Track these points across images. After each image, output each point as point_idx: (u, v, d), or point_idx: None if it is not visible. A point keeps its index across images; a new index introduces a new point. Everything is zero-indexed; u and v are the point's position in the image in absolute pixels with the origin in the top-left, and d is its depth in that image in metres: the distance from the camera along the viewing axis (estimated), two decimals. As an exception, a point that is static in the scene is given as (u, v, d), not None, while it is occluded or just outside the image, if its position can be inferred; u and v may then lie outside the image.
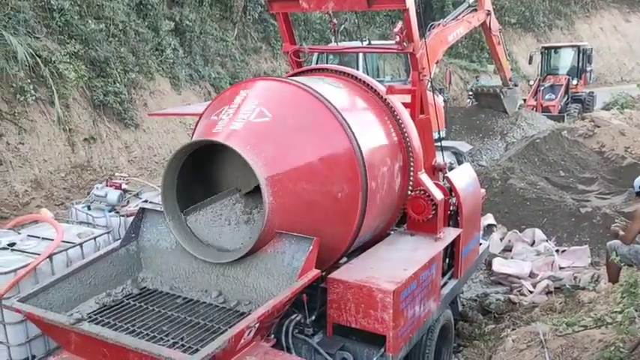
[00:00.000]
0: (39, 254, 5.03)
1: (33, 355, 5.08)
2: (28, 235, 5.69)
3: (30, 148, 11.18)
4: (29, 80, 11.38)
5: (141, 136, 13.93)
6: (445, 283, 4.81)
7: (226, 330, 3.35)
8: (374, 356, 3.71)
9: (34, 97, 11.39)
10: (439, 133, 9.34)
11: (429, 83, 5.36)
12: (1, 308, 4.83)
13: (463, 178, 5.25)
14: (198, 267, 3.96)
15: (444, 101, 12.05)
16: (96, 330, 3.14)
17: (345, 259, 4.33)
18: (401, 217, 4.82)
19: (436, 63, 10.99)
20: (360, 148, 3.89)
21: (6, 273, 4.82)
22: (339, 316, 3.82)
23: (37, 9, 12.52)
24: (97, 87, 12.99)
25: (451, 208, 4.95)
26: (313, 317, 3.94)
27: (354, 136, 3.89)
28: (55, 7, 12.76)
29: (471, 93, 18.10)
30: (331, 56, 10.92)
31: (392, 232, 4.79)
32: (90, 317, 3.52)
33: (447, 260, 4.94)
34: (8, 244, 5.39)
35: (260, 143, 3.60)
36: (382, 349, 3.71)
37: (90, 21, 13.40)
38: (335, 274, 3.86)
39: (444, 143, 8.16)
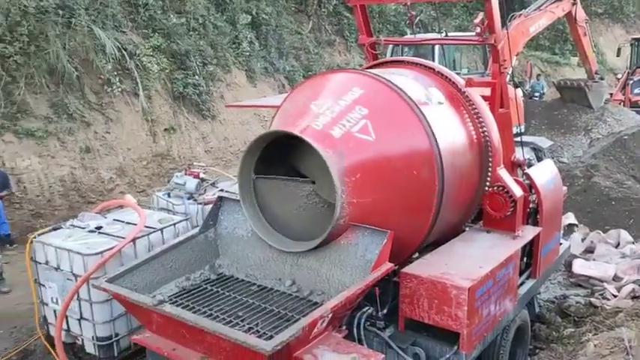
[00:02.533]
0: (123, 238, 5.31)
1: (116, 333, 5.38)
2: (114, 220, 6.02)
3: (115, 137, 11.77)
4: (116, 73, 11.97)
5: (217, 127, 14.35)
6: (522, 283, 4.65)
7: (300, 319, 3.40)
8: (447, 353, 3.65)
9: (119, 89, 11.98)
10: (518, 128, 9.08)
11: (509, 76, 5.18)
12: (89, 287, 5.16)
13: (544, 174, 5.05)
14: (272, 256, 4.04)
15: (525, 95, 11.62)
16: (177, 312, 3.27)
17: (416, 254, 4.28)
18: (477, 214, 4.70)
19: (516, 55, 10.61)
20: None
21: (94, 254, 5.14)
22: (411, 310, 3.78)
23: (123, 4, 13.12)
24: (178, 79, 13.48)
25: (531, 205, 4.77)
26: (385, 311, 3.92)
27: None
28: (140, 3, 13.33)
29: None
30: (406, 49, 10.79)
31: (467, 229, 4.68)
32: (170, 299, 3.67)
33: (525, 259, 4.77)
34: (96, 228, 5.73)
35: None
36: (455, 347, 3.65)
37: (172, 15, 13.90)
38: (408, 269, 3.83)
39: (523, 138, 7.88)
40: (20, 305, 6.97)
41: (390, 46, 10.86)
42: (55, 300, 5.55)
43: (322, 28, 20.25)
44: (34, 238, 5.64)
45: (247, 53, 16.06)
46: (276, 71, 17.18)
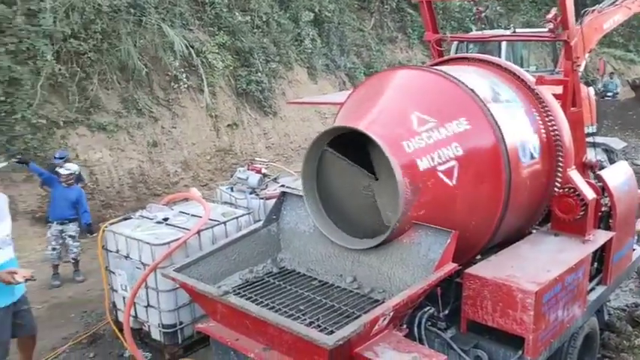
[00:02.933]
0: (189, 229, 5.47)
1: (180, 322, 5.56)
2: (180, 212, 6.21)
3: (181, 132, 12.15)
4: (182, 69, 12.34)
5: (278, 123, 14.54)
6: (592, 289, 4.47)
7: (360, 315, 3.41)
8: (511, 358, 3.57)
9: (186, 85, 12.35)
10: (590, 128, 8.72)
11: (581, 74, 4.98)
12: (156, 276, 5.34)
13: (618, 176, 4.83)
14: (334, 252, 4.06)
15: (597, 94, 11.12)
16: (241, 303, 3.34)
17: (478, 256, 4.19)
18: (545, 216, 4.55)
19: (588, 52, 10.18)
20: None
21: (161, 245, 5.32)
22: (474, 312, 3.71)
23: (190, 2, 13.50)
24: (241, 76, 13.75)
25: (603, 209, 4.57)
26: (447, 311, 3.87)
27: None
28: (207, 1, 13.68)
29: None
30: (471, 45, 10.56)
31: (534, 231, 4.54)
32: (234, 291, 3.75)
33: (595, 265, 4.58)
34: (163, 219, 5.93)
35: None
36: (520, 352, 3.55)
37: (237, 13, 14.19)
38: (472, 270, 3.75)
39: (595, 139, 7.56)
40: (91, 291, 7.31)
41: (455, 42, 10.66)
42: (124, 287, 5.79)
43: (384, 24, 20.14)
44: (106, 227, 5.91)
45: (309, 50, 16.19)
46: (337, 68, 17.22)
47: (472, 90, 3.82)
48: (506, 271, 3.68)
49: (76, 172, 7.75)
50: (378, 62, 18.47)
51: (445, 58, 5.10)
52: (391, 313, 3.22)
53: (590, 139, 5.19)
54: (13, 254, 4.26)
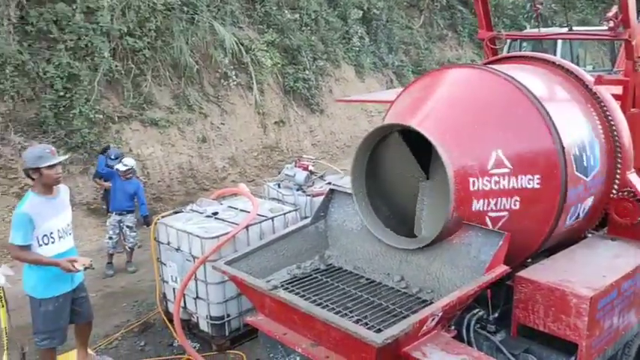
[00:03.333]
0: (237, 224, 5.58)
1: (228, 314, 5.67)
2: (229, 206, 6.33)
3: (229, 128, 12.35)
4: (232, 67, 12.53)
5: (325, 121, 14.59)
6: (649, 297, 4.30)
7: (408, 315, 3.40)
8: (562, 364, 3.48)
9: (235, 82, 12.54)
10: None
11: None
12: (205, 269, 5.47)
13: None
14: (381, 250, 4.06)
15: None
16: (290, 298, 3.39)
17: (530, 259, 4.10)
18: (602, 220, 4.42)
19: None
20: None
21: (211, 238, 5.44)
22: (525, 316, 3.64)
23: (241, 1, 13.70)
24: (289, 74, 13.86)
25: (663, 214, 4.39)
26: (496, 314, 3.81)
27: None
28: (258, -1, 13.86)
29: None
30: (524, 44, 10.32)
31: (589, 235, 4.41)
32: (282, 286, 3.79)
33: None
34: (212, 213, 6.06)
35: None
36: (572, 358, 3.46)
37: (286, 11, 14.30)
38: (524, 273, 3.68)
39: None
40: (142, 282, 7.54)
41: (508, 41, 10.43)
42: (174, 278, 5.95)
43: (434, 22, 19.90)
44: (158, 220, 6.08)
45: (357, 48, 16.16)
46: (385, 66, 17.14)
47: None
48: (560, 275, 3.59)
49: (134, 167, 8.02)
50: (426, 60, 18.29)
51: (499, 56, 5.00)
52: (440, 314, 3.20)
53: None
54: (73, 243, 4.44)
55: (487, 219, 3.58)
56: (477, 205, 3.54)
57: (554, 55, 9.52)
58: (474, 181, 3.52)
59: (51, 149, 4.19)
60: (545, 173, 3.60)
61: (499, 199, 3.56)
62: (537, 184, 3.59)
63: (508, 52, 8.15)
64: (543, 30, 7.41)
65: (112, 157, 8.43)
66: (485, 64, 4.79)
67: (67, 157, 4.78)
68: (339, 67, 15.67)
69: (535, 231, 3.72)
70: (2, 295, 4.64)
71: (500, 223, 3.58)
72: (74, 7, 10.13)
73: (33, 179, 4.18)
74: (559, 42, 9.57)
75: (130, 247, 8.02)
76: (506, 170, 3.55)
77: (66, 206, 4.33)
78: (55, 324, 4.20)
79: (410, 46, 18.51)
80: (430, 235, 3.68)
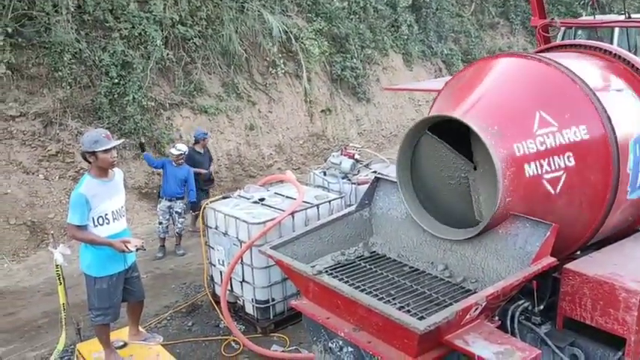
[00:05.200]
0: (283, 210, 5.69)
1: (272, 298, 5.80)
2: (275, 193, 6.45)
3: (276, 116, 12.49)
4: (280, 55, 12.64)
5: (371, 109, 14.55)
6: None
7: (451, 303, 3.39)
8: (610, 359, 3.41)
9: (283, 71, 12.65)
10: None
11: None
12: (252, 253, 5.60)
13: None
14: (425, 239, 4.05)
15: None
16: (334, 283, 3.44)
17: (578, 252, 4.02)
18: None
19: None
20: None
21: (257, 223, 5.57)
22: (571, 309, 3.57)
23: (291, -11, 13.78)
24: (336, 62, 13.87)
25: None
26: (542, 307, 3.76)
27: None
28: (306, -13, 13.90)
29: None
30: (579, 32, 9.96)
31: (641, 229, 4.28)
32: (326, 271, 3.85)
33: None
34: (259, 199, 6.18)
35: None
36: (620, 353, 3.38)
37: (335, -1, 14.31)
38: (572, 265, 3.61)
39: None
40: (191, 264, 7.78)
41: (562, 29, 10.11)
42: (221, 262, 6.12)
43: (485, 10, 19.49)
44: (207, 205, 6.25)
45: (405, 37, 16.02)
46: (434, 55, 16.92)
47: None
48: (609, 269, 3.51)
49: (185, 153, 8.26)
50: (477, 49, 17.96)
51: (551, 45, 4.87)
52: (484, 304, 3.18)
53: None
54: (127, 225, 4.63)
55: (545, 182, 3.48)
56: (530, 169, 3.45)
57: (611, 43, 9.18)
58: (518, 145, 3.44)
59: (107, 134, 4.37)
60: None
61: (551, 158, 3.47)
62: (585, 134, 3.50)
63: (562, 40, 7.90)
64: (600, 17, 7.16)
65: (201, 132, 8.98)
66: (537, 52, 4.68)
67: (121, 141, 4.97)
68: (386, 56, 15.57)
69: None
70: (60, 273, 4.89)
71: (560, 184, 3.47)
72: (129, -4, 10.44)
73: (89, 162, 4.37)
74: (616, 30, 9.20)
75: (178, 233, 8.26)
76: (552, 128, 3.49)
77: (120, 189, 4.52)
78: (108, 301, 4.41)
79: (460, 35, 18.19)
80: (478, 225, 3.65)
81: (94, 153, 4.26)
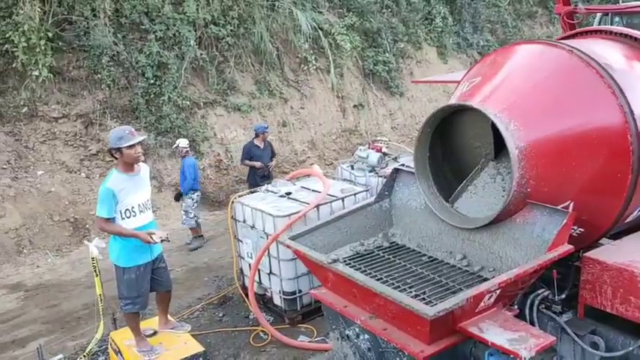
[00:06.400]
0: (309, 203, 5.76)
1: (299, 290, 5.90)
2: (302, 187, 6.54)
3: (308, 112, 12.58)
4: (312, 51, 12.73)
5: (405, 104, 14.47)
6: None
7: (467, 291, 3.40)
8: (631, 346, 3.35)
9: (314, 67, 12.73)
10: None
11: None
12: (278, 245, 5.71)
13: None
14: (444, 229, 4.06)
15: None
16: (348, 271, 3.50)
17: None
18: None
19: None
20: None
21: (283, 216, 5.67)
22: (592, 298, 3.53)
23: (321, -15, 13.83)
24: (369, 57, 13.85)
25: None
26: (563, 296, 3.72)
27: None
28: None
29: None
30: (617, 18, 9.65)
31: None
32: (344, 261, 3.91)
33: None
34: (286, 193, 6.29)
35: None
36: (640, 341, 3.33)
37: (366, -6, 14.28)
38: (591, 253, 3.56)
39: None
40: (223, 258, 7.96)
41: (598, 15, 9.82)
42: (250, 255, 6.26)
43: (523, -1, 19.06)
44: (235, 199, 6.40)
45: (439, 29, 15.84)
46: (469, 47, 16.68)
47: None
48: (630, 256, 3.44)
49: (178, 146, 8.63)
50: (514, 39, 17.57)
51: (574, 31, 4.78)
52: (498, 291, 3.19)
53: None
54: (153, 217, 4.80)
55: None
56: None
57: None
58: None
59: (131, 130, 4.54)
60: (615, 151, 3.46)
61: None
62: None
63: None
64: (632, 3, 6.95)
65: (263, 126, 9.19)
66: (560, 39, 4.61)
67: (145, 136, 5.15)
68: (420, 49, 15.45)
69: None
70: (96, 265, 5.12)
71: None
72: (163, -2, 10.72)
73: (116, 158, 4.56)
74: (653, 14, 8.88)
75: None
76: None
77: (146, 183, 4.69)
78: (137, 291, 4.59)
79: (497, 25, 17.87)
80: (492, 214, 3.65)
81: (119, 149, 4.44)
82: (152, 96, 10.26)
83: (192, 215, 8.48)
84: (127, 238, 4.47)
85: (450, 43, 16.01)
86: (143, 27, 10.49)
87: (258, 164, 8.72)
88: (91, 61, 9.89)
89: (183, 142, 8.64)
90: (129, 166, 4.53)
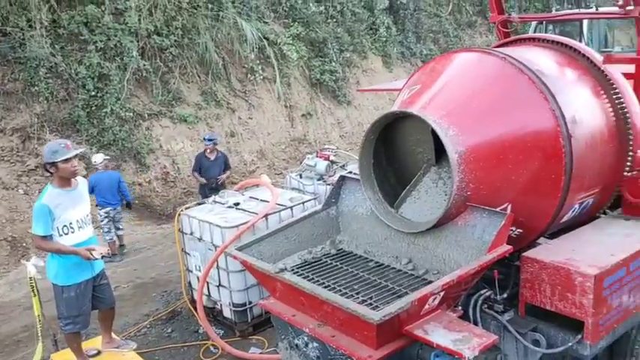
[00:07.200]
0: (257, 213, 5.73)
1: (250, 301, 5.84)
2: (250, 197, 6.49)
3: (257, 122, 12.55)
4: (258, 61, 12.71)
5: (352, 112, 14.64)
6: (665, 277, 4.23)
7: (412, 295, 3.45)
8: (570, 342, 3.48)
9: (261, 77, 12.72)
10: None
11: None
12: (227, 257, 5.64)
13: (698, 159, 4.51)
14: (390, 234, 4.11)
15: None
16: (295, 280, 3.49)
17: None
18: (616, 201, 4.36)
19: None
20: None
21: (230, 227, 5.61)
22: (532, 296, 3.64)
23: (266, -4, 13.87)
24: (315, 66, 13.95)
25: (680, 192, 4.31)
26: (505, 295, 3.82)
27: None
28: (282, -7, 13.98)
29: None
30: (550, 27, 10.09)
31: (602, 216, 4.36)
32: (292, 270, 3.90)
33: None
34: (234, 204, 6.23)
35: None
36: (579, 336, 3.45)
37: (311, 4, 14.41)
38: (530, 253, 3.68)
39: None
40: (172, 272, 7.80)
41: (534, 24, 10.25)
42: (198, 267, 6.15)
43: (463, 9, 19.67)
44: (182, 211, 6.29)
45: (384, 39, 16.13)
46: (413, 55, 17.05)
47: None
48: (566, 255, 3.58)
49: (96, 163, 8.50)
50: (455, 47, 18.08)
51: (508, 39, 4.96)
52: (441, 293, 3.25)
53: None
54: (93, 233, 4.65)
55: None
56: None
57: (580, 37, 9.33)
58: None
59: (66, 143, 4.38)
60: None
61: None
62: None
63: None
64: (561, 12, 7.29)
65: (207, 137, 8.94)
66: (496, 46, 4.77)
67: (82, 149, 4.99)
68: (366, 58, 15.69)
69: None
70: (34, 284, 4.91)
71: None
72: (103, 8, 10.49)
73: (51, 173, 4.40)
74: (585, 23, 9.35)
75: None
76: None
77: (84, 198, 4.54)
78: (77, 309, 4.43)
79: (439, 35, 18.35)
80: (434, 217, 3.72)
81: (54, 164, 4.28)
82: (93, 108, 10.00)
83: (106, 230, 8.32)
84: (66, 255, 4.31)
85: (394, 52, 16.33)
86: (82, 37, 10.22)
87: (202, 180, 8.66)
88: (28, 73, 9.55)
89: (98, 158, 8.49)
90: (65, 180, 4.38)
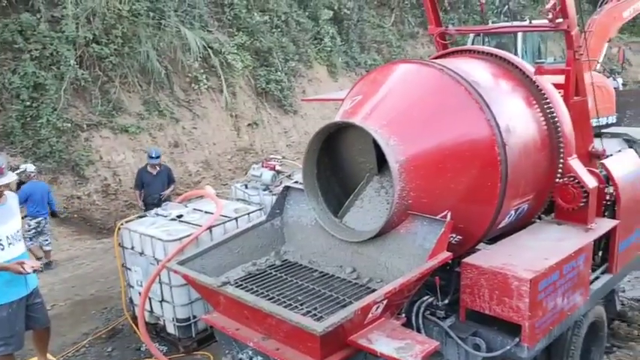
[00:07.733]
0: (201, 226, 5.62)
1: (194, 315, 5.71)
2: (194, 209, 6.37)
3: (202, 132, 12.38)
4: (202, 70, 12.57)
5: (298, 121, 14.67)
6: (597, 278, 4.44)
7: (355, 304, 3.47)
8: (508, 345, 3.58)
9: (206, 86, 12.57)
10: (610, 119, 8.56)
11: (598, 64, 4.93)
12: (169, 271, 5.50)
13: (624, 165, 4.77)
14: (334, 243, 4.13)
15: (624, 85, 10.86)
16: (238, 293, 3.45)
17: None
18: (549, 206, 4.54)
19: (608, 41, 10.00)
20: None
21: (173, 240, 5.47)
22: (472, 301, 3.74)
23: (210, 4, 13.74)
24: (261, 76, 13.91)
25: (607, 197, 4.53)
26: (446, 301, 3.90)
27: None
28: (226, 2, 13.89)
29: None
30: (487, 38, 10.48)
31: (537, 221, 4.53)
32: (236, 283, 3.85)
33: (601, 254, 4.55)
34: (177, 216, 6.09)
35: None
36: (517, 339, 3.56)
37: (256, 14, 14.37)
38: (469, 259, 3.78)
39: (615, 130, 7.43)
40: (113, 288, 7.53)
41: (471, 36, 10.60)
42: (139, 283, 5.97)
43: (405, 20, 20.08)
44: (122, 225, 6.10)
45: (329, 48, 16.27)
46: (358, 65, 17.26)
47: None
48: (503, 260, 3.70)
49: (26, 172, 8.05)
50: (398, 58, 18.44)
51: (446, 51, 5.11)
52: (384, 301, 3.28)
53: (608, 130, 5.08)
54: (24, 249, 4.45)
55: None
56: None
57: (515, 48, 9.73)
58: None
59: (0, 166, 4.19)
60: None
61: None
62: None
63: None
64: (495, 24, 7.56)
65: (153, 155, 8.50)
66: (434, 58, 4.90)
67: (15, 178, 4.76)
68: (311, 68, 15.77)
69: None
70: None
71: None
72: (39, 16, 10.13)
73: None
74: (519, 36, 9.77)
75: None
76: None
77: (14, 213, 4.35)
78: (9, 330, 4.22)
79: (382, 45, 18.66)
80: (376, 226, 3.76)
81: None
82: (28, 119, 9.61)
83: (29, 240, 8.03)
84: (-3, 273, 4.11)
85: (339, 62, 16.50)
86: (17, 46, 9.83)
87: (140, 204, 8.50)
88: (-43, 82, 9.11)
89: (30, 167, 8.18)
90: (-9, 197, 4.18)
